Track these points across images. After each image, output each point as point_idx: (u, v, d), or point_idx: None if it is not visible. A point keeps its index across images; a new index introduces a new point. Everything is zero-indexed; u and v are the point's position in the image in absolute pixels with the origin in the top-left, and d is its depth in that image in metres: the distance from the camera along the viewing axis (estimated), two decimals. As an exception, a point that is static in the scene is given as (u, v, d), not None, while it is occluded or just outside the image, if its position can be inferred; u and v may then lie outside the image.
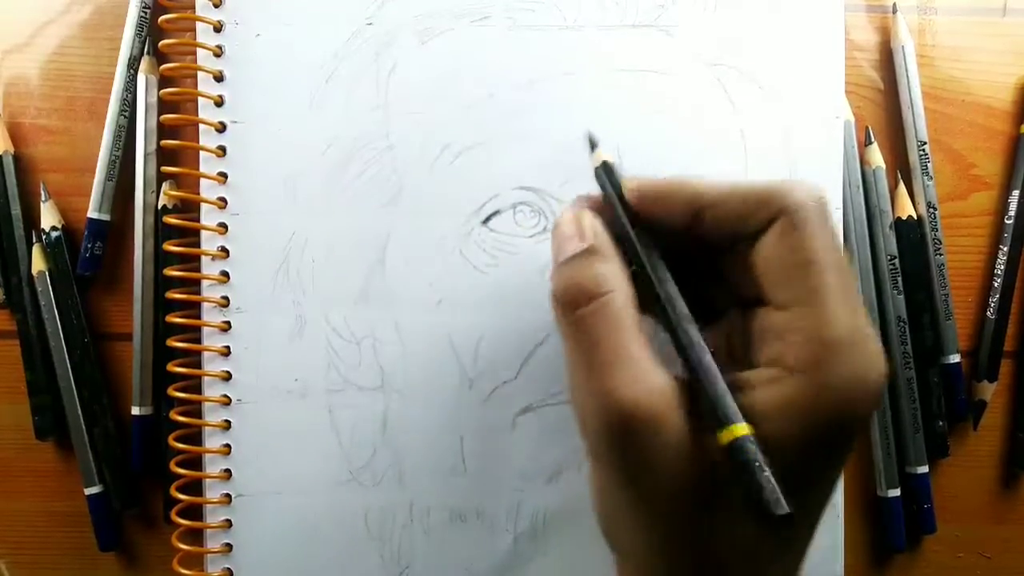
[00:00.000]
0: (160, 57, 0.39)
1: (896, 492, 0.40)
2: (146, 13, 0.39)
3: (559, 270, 0.27)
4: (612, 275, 0.26)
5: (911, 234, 0.39)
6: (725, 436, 0.23)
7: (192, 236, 0.38)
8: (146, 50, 0.39)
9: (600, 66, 0.37)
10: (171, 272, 0.37)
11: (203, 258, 0.38)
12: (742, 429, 0.23)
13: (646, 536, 0.26)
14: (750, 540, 0.24)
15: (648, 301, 0.27)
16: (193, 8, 0.37)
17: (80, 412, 0.39)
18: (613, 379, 0.24)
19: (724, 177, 0.37)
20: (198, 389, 0.38)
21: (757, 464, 0.22)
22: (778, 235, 0.26)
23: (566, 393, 0.34)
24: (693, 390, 0.25)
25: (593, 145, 0.31)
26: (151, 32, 0.39)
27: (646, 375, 0.25)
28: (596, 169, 0.30)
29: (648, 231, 0.28)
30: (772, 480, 0.22)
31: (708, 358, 0.25)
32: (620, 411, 0.24)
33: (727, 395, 0.24)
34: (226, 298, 0.37)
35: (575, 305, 0.26)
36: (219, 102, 0.37)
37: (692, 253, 0.28)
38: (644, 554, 0.26)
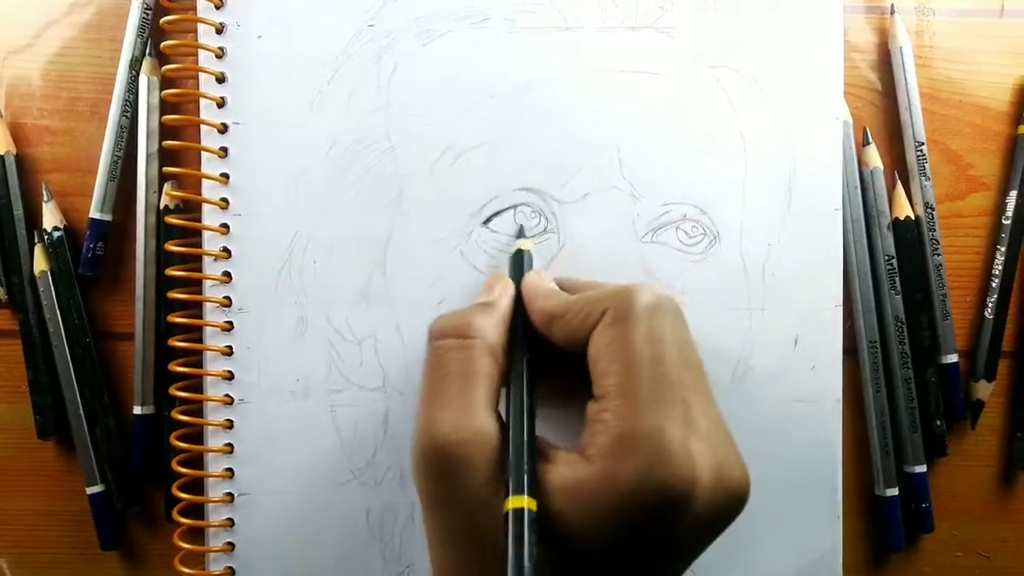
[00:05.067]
0: (162, 58, 0.39)
1: (894, 491, 0.40)
2: (148, 14, 0.39)
3: (466, 310, 0.30)
4: (488, 329, 0.28)
5: (909, 234, 0.40)
6: (508, 504, 0.24)
7: (193, 236, 0.38)
8: (148, 51, 0.39)
9: (600, 68, 0.38)
10: (173, 272, 0.37)
11: (205, 258, 0.38)
12: (522, 502, 0.24)
13: (440, 567, 0.27)
14: None
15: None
16: (195, 10, 0.37)
17: (82, 411, 0.39)
18: (442, 411, 0.26)
19: (724, 178, 0.38)
20: (199, 389, 0.38)
21: (521, 539, 0.23)
22: (599, 333, 0.27)
23: (564, 394, 0.35)
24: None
25: (520, 234, 0.37)
26: (153, 33, 0.39)
27: (470, 417, 0.26)
28: (510, 256, 0.35)
29: None
30: (528, 558, 0.23)
31: (524, 424, 0.26)
32: (435, 442, 0.25)
33: (524, 466, 0.25)
34: (228, 298, 0.38)
35: (440, 336, 0.28)
36: (221, 103, 0.38)
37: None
38: None
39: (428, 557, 0.28)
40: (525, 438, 0.26)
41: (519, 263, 0.35)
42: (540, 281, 0.32)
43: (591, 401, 0.26)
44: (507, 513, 0.24)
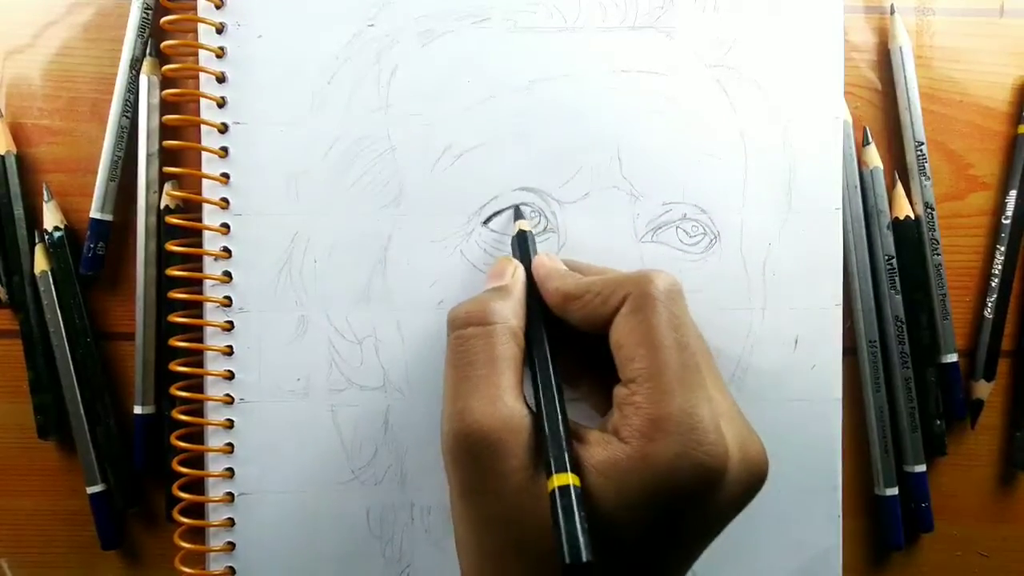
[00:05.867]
0: (162, 58, 0.39)
1: (894, 491, 0.40)
2: (148, 14, 0.39)
3: (480, 296, 0.30)
4: (507, 313, 0.29)
5: (909, 234, 0.40)
6: (552, 482, 0.24)
7: (194, 236, 0.38)
8: (148, 51, 0.39)
9: (600, 67, 0.38)
10: (174, 272, 0.37)
11: (205, 258, 0.38)
12: (568, 479, 0.24)
13: (473, 557, 0.27)
14: None
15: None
16: (195, 9, 0.37)
17: (82, 411, 0.39)
18: (471, 399, 0.26)
19: (724, 177, 0.38)
20: (200, 388, 0.38)
21: (572, 513, 0.23)
22: (623, 318, 0.27)
23: (565, 393, 0.35)
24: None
25: (518, 216, 0.36)
26: (153, 33, 0.39)
27: (502, 403, 0.26)
28: (512, 238, 0.35)
29: None
30: (581, 532, 0.23)
31: (557, 406, 0.27)
32: (468, 430, 0.26)
33: (564, 445, 0.25)
34: (228, 298, 0.38)
35: (461, 325, 0.28)
36: (221, 103, 0.38)
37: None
38: (468, 573, 0.27)
39: (455, 544, 0.28)
40: (560, 418, 0.26)
41: (524, 244, 0.34)
42: (552, 263, 0.32)
43: (618, 385, 0.27)
44: (553, 491, 0.24)
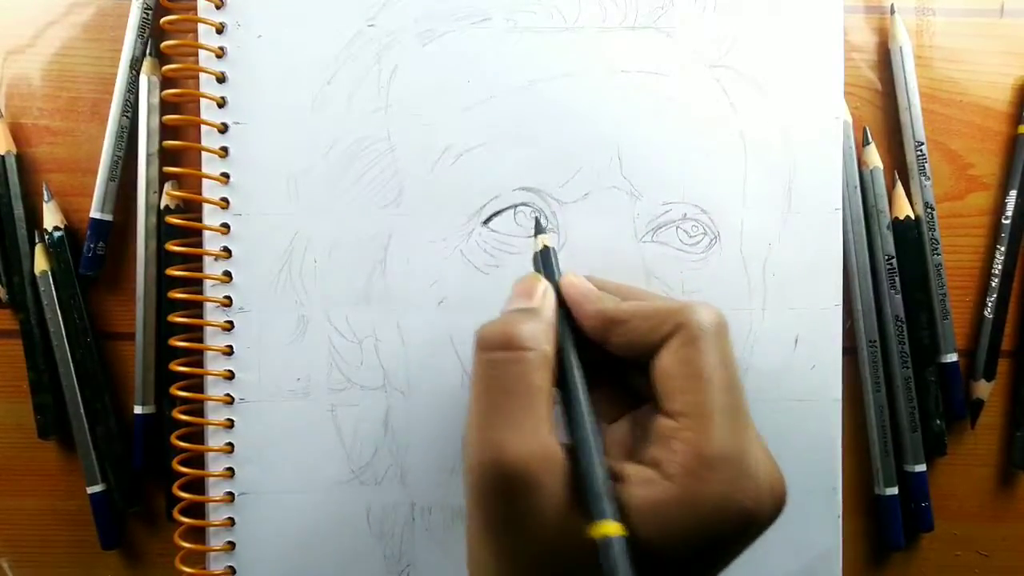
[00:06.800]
0: (162, 58, 0.39)
1: (894, 490, 0.40)
2: (148, 14, 0.39)
3: (509, 317, 0.28)
4: (540, 338, 0.27)
5: (909, 234, 0.40)
6: (597, 530, 0.24)
7: (194, 236, 0.38)
8: (148, 51, 0.39)
9: (600, 67, 0.38)
10: (174, 272, 0.37)
11: (206, 258, 0.38)
12: (614, 528, 0.23)
13: None
14: None
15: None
16: (195, 9, 0.38)
17: (82, 411, 0.39)
18: (507, 431, 0.25)
19: (724, 177, 0.38)
20: (200, 388, 0.38)
21: (617, 565, 0.23)
22: (674, 350, 0.27)
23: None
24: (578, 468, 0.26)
25: (539, 230, 0.33)
26: (153, 33, 0.39)
27: (537, 437, 0.25)
28: (535, 254, 0.32)
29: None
30: None
31: (593, 444, 0.26)
32: (502, 464, 0.25)
33: (605, 487, 0.24)
34: (229, 298, 0.38)
35: (494, 347, 0.27)
36: (221, 103, 0.38)
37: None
38: None
39: (470, 566, 0.28)
40: (597, 458, 0.25)
41: (548, 262, 0.32)
42: (583, 283, 0.30)
43: (661, 416, 0.26)
44: (601, 541, 0.23)
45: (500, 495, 0.25)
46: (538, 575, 0.25)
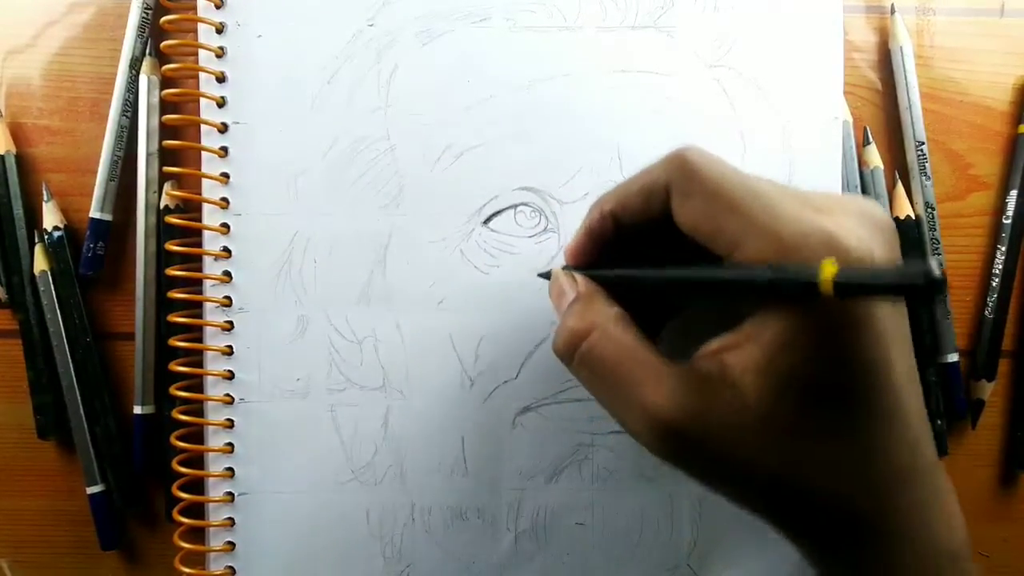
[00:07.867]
0: (162, 58, 0.39)
1: (894, 491, 0.40)
2: (148, 14, 0.39)
3: (562, 320, 0.29)
4: (598, 311, 0.28)
5: (909, 234, 0.39)
6: (823, 285, 0.20)
7: (194, 236, 0.38)
8: (148, 51, 0.39)
9: (600, 67, 0.38)
10: (173, 272, 0.37)
11: (205, 258, 0.38)
12: (830, 266, 0.21)
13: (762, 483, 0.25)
14: (842, 444, 0.24)
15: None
16: (195, 9, 0.38)
17: (82, 411, 0.39)
18: (641, 396, 0.25)
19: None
20: (200, 388, 0.38)
21: (862, 275, 0.20)
22: (679, 202, 0.26)
23: (566, 392, 0.35)
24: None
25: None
26: (153, 33, 0.39)
27: (666, 380, 0.25)
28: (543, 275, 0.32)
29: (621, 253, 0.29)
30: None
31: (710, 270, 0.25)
32: (662, 425, 0.24)
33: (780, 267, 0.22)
34: (228, 298, 0.38)
35: (575, 346, 0.27)
36: (221, 103, 0.38)
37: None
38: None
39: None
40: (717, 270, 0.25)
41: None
42: (571, 241, 0.30)
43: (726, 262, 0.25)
44: (832, 282, 0.20)
45: (684, 448, 0.25)
46: (764, 463, 0.24)
